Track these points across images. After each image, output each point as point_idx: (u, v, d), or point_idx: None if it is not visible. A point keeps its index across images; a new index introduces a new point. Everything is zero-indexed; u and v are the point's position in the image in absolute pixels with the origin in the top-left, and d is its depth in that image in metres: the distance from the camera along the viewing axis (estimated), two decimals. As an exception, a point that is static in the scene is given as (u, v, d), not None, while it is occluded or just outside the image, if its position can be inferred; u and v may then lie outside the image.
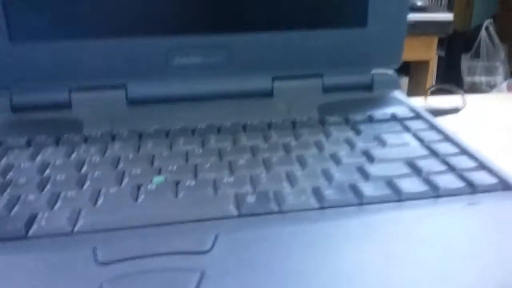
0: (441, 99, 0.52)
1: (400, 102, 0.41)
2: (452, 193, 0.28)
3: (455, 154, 0.32)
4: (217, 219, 0.26)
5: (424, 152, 0.32)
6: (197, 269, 0.22)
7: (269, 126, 0.36)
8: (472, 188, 0.28)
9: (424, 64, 1.53)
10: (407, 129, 0.36)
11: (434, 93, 0.56)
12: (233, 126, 0.36)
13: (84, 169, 0.31)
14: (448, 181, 0.28)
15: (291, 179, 0.29)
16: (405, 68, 1.66)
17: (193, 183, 0.29)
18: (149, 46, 0.39)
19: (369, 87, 0.42)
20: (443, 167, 0.30)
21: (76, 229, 0.25)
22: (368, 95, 0.42)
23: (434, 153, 0.32)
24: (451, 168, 0.30)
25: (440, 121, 0.37)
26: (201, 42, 0.40)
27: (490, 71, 1.90)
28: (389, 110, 0.39)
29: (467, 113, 0.50)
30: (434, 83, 1.60)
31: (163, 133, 0.35)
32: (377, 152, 0.32)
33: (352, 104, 0.40)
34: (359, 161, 0.31)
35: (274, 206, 0.27)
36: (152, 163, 0.31)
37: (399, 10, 0.41)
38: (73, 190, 0.28)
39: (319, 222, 0.26)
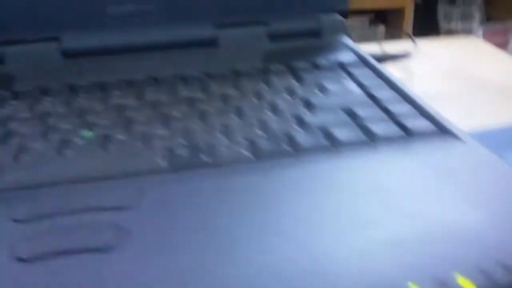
0: (396, 45, 0.51)
1: (349, 49, 0.40)
2: (389, 139, 0.27)
3: (395, 101, 0.31)
4: (146, 174, 0.25)
5: (364, 99, 0.31)
6: (119, 226, 0.21)
7: (210, 76, 0.35)
8: (409, 134, 0.28)
9: (400, 11, 1.52)
10: (350, 76, 0.35)
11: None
12: (172, 78, 0.35)
13: (10, 125, 0.29)
14: (385, 128, 0.28)
15: (226, 131, 0.28)
16: (382, 16, 1.64)
17: (124, 137, 0.28)
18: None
19: (317, 33, 0.41)
20: (381, 114, 0.29)
21: (-4, 187, 0.24)
22: (316, 42, 0.41)
23: (374, 100, 0.31)
24: (390, 115, 0.29)
25: (389, 68, 0.36)
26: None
27: (466, 17, 1.88)
28: (335, 57, 0.37)
29: (419, 58, 0.49)
30: (411, 30, 1.59)
31: (97, 86, 0.34)
32: (317, 100, 0.31)
33: (298, 51, 0.39)
34: (297, 109, 0.30)
35: (206, 159, 0.26)
36: (83, 118, 0.30)
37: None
38: (-4, 147, 0.27)
39: (252, 174, 0.25)
